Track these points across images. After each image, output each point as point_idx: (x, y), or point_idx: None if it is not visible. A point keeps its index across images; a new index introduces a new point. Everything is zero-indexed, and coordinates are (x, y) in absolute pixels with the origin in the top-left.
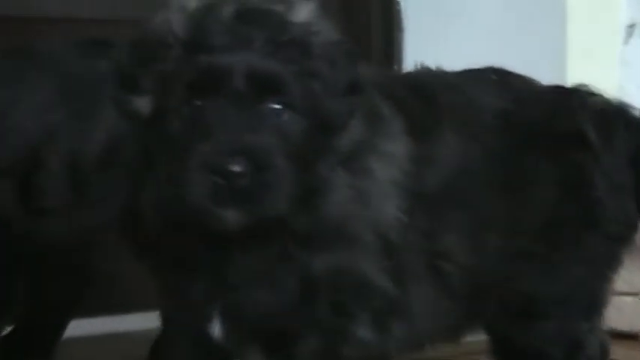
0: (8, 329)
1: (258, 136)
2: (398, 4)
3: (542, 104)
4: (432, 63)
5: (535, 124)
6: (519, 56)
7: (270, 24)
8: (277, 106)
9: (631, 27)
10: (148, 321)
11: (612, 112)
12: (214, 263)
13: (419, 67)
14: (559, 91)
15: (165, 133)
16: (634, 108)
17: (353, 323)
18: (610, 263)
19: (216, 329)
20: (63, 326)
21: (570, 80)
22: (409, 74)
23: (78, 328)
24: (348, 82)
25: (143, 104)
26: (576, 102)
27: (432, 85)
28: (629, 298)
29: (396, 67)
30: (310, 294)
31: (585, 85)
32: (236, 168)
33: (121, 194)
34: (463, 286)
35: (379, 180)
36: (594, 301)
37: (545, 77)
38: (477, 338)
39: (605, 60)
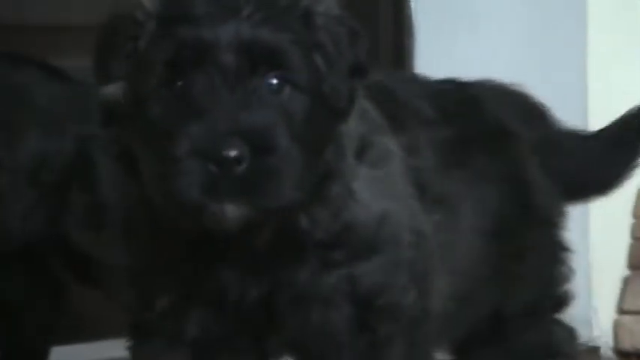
0: None
1: (255, 114)
2: (409, 8)
3: (460, 99)
4: (444, 67)
5: (465, 120)
6: (535, 60)
7: None
8: (275, 81)
9: None
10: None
11: (516, 98)
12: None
13: None
14: (458, 84)
15: (144, 123)
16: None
17: (389, 349)
18: (560, 253)
19: None
20: (45, 354)
21: (591, 84)
22: None
23: (60, 355)
24: (352, 63)
25: (117, 92)
26: (488, 94)
27: (389, 84)
28: None
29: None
30: (359, 314)
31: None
32: (231, 152)
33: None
34: (455, 288)
35: (397, 169)
36: (558, 297)
37: (565, 82)
38: None
39: (628, 63)
